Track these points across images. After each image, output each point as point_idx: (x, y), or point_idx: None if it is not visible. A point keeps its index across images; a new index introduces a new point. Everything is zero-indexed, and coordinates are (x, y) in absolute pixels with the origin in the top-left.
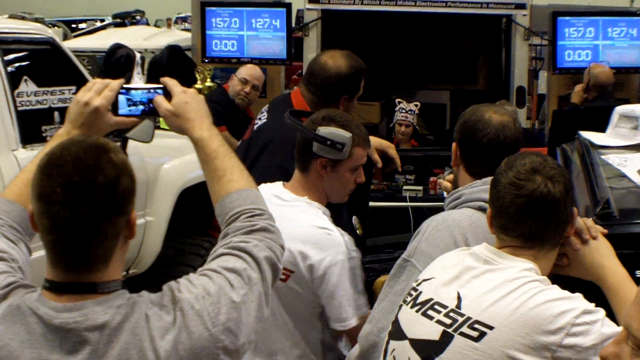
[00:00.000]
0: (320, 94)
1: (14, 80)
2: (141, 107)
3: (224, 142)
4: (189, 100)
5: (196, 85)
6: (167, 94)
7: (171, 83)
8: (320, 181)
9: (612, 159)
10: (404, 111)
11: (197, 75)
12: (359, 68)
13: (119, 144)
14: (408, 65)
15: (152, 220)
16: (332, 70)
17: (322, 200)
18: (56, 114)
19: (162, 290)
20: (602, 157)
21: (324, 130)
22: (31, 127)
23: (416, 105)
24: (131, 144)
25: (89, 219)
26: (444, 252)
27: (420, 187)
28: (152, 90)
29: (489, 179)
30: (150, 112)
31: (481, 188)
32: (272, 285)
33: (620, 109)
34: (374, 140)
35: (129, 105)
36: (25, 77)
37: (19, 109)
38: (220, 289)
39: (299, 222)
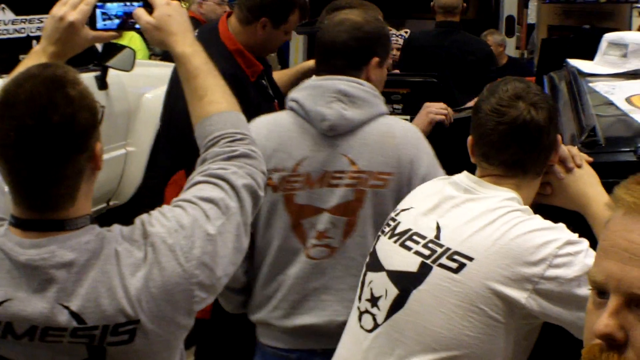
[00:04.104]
0: (243, 13)
1: None
2: (117, 21)
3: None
4: (172, 13)
5: None
6: (148, 6)
7: None
8: None
9: (600, 86)
10: (394, 36)
11: None
12: (293, 0)
13: (98, 73)
14: None
15: (133, 150)
16: None
17: None
18: (34, 42)
19: (134, 224)
20: (590, 84)
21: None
22: (8, 56)
23: (406, 32)
24: (113, 72)
25: (46, 162)
26: None
27: (408, 117)
28: (129, 3)
29: None
30: (128, 25)
31: None
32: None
33: (608, 37)
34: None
35: (104, 20)
36: (2, 5)
37: None
38: (195, 221)
39: None
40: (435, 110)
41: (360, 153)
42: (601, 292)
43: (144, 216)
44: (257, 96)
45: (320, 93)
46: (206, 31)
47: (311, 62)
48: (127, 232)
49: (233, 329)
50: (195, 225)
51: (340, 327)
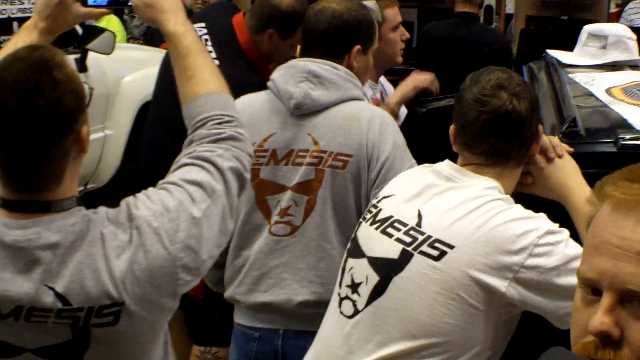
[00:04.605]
0: (253, 22)
1: None
2: None
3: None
4: None
5: None
6: None
7: None
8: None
9: (580, 77)
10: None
11: None
12: (299, 12)
13: (78, 55)
14: None
15: (111, 134)
16: (272, 3)
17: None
18: (15, 24)
19: (120, 206)
20: (570, 75)
21: None
22: None
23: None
24: (92, 55)
25: (31, 144)
26: None
27: None
28: None
29: None
30: (119, 2)
31: None
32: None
33: (588, 28)
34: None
35: None
36: None
37: None
38: (180, 204)
39: None
40: (422, 77)
41: (323, 133)
42: (591, 289)
43: (130, 199)
44: None
45: (292, 73)
46: (220, 35)
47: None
48: (112, 215)
49: (225, 306)
50: (181, 209)
51: (299, 306)
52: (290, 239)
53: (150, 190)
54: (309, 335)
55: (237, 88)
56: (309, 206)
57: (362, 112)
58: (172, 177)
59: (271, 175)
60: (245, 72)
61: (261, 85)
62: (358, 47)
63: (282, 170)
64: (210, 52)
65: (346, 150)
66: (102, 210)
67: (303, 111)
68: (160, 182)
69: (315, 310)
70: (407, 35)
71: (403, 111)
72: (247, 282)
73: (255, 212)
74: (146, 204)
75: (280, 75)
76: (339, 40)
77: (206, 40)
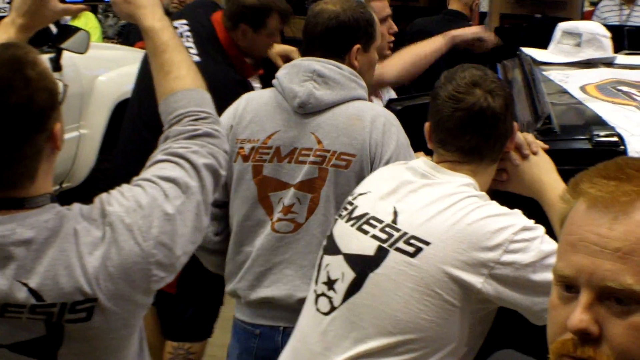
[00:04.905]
0: (226, 20)
1: None
2: None
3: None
4: None
5: None
6: None
7: None
8: None
9: (554, 75)
10: None
11: None
12: (268, 5)
13: (53, 55)
14: None
15: (86, 133)
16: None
17: None
18: None
19: (94, 203)
20: (544, 73)
21: None
22: None
23: None
24: (67, 54)
25: (4, 142)
26: None
27: None
28: None
29: None
30: None
31: None
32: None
33: (563, 26)
34: (277, 46)
35: None
36: None
37: None
38: (153, 200)
39: None
40: (460, 32)
41: (327, 132)
42: (568, 286)
43: (104, 195)
44: None
45: (296, 72)
46: (202, 32)
47: (275, 46)
48: (86, 211)
49: (198, 302)
50: (154, 205)
51: (300, 303)
52: (293, 235)
53: (124, 186)
54: None
55: (219, 85)
56: (312, 204)
57: (365, 112)
58: (146, 173)
59: (274, 172)
60: (226, 69)
61: (241, 83)
62: (358, 46)
63: (285, 168)
64: (191, 48)
65: (349, 149)
66: (76, 206)
67: (307, 110)
68: (135, 178)
69: None
70: (395, 28)
71: (386, 98)
72: (248, 278)
73: (257, 209)
74: (119, 200)
75: (285, 74)
76: (337, 41)
77: (188, 37)
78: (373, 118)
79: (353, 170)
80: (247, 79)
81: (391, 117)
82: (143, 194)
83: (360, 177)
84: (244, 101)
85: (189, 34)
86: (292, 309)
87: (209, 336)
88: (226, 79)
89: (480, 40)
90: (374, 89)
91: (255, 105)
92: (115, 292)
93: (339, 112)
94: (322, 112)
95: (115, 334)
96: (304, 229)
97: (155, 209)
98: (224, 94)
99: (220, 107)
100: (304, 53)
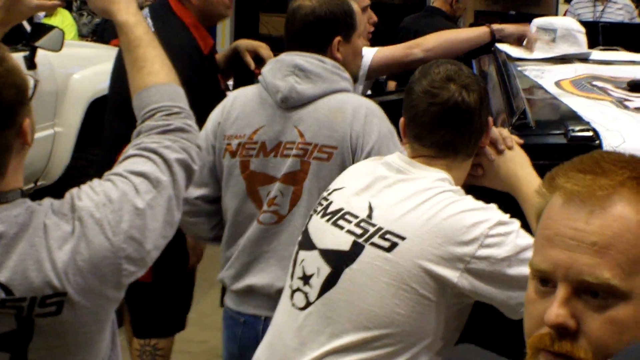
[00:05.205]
0: None
1: None
2: None
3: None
4: None
5: None
6: None
7: None
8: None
9: (529, 70)
10: None
11: None
12: None
13: (27, 53)
14: None
15: (61, 131)
16: None
17: None
18: None
19: (64, 198)
20: (519, 69)
21: None
22: None
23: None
24: (41, 53)
25: None
26: None
27: None
28: None
29: None
30: None
31: None
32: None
33: (537, 22)
34: (244, 42)
35: None
36: None
37: None
38: (124, 195)
39: None
40: (507, 27)
41: (309, 126)
42: (544, 280)
43: (74, 190)
44: (211, 69)
45: (279, 67)
46: (157, 7)
47: (243, 42)
48: (56, 206)
49: (173, 292)
50: (124, 199)
51: (279, 293)
52: (277, 227)
53: (95, 181)
54: None
55: (173, 50)
56: (295, 196)
57: (347, 104)
58: (118, 168)
59: (261, 166)
60: (179, 34)
61: (195, 48)
62: (338, 38)
63: (271, 162)
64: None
65: (331, 142)
66: (47, 201)
67: (289, 104)
68: (107, 173)
69: None
70: (375, 18)
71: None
72: (235, 267)
73: (248, 203)
74: (89, 195)
75: (269, 70)
76: (316, 36)
77: (146, 16)
78: (354, 110)
79: (335, 162)
80: (200, 47)
81: (374, 107)
82: (113, 189)
83: (342, 170)
84: (231, 98)
85: (146, 11)
86: (273, 298)
87: (176, 332)
88: (180, 45)
89: (521, 39)
90: (404, 63)
91: (241, 101)
92: (84, 286)
93: (321, 105)
94: (304, 106)
95: (85, 328)
96: (287, 221)
97: (126, 203)
98: (180, 58)
99: (179, 72)
100: (287, 50)
